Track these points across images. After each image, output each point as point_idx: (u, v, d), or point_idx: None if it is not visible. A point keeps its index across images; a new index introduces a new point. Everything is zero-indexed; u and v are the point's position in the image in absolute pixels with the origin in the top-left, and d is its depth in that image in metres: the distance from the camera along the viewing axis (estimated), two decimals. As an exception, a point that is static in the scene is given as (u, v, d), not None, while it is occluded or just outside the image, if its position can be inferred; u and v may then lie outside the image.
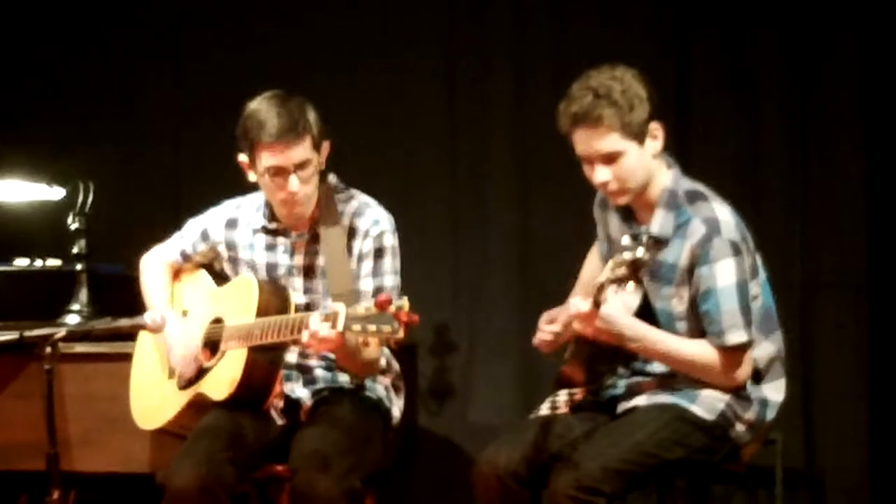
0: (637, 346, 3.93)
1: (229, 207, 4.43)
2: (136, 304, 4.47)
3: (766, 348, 4.00)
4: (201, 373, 4.25)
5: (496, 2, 5.79)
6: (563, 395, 4.11)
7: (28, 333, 4.24)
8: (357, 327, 3.80)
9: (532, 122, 5.65)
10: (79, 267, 5.08)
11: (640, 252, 3.67)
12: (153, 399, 4.41)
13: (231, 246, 4.39)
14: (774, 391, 4.02)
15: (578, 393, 4.10)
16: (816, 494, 5.48)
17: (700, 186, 4.01)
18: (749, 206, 5.47)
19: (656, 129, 3.93)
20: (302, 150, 4.13)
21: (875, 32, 5.39)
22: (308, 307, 4.23)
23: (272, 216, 4.30)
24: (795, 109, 5.52)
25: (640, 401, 3.99)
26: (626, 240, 3.76)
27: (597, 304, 3.78)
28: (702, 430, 3.92)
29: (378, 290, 4.15)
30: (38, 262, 5.26)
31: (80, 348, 4.68)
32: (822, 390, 5.48)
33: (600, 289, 3.75)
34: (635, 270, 3.70)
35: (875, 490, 5.40)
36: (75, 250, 5.07)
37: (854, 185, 5.45)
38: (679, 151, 5.52)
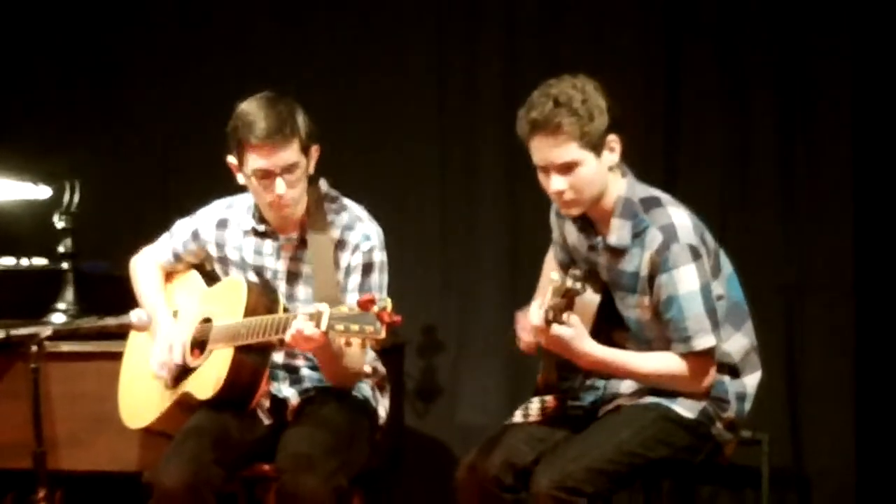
0: (597, 369, 3.92)
1: (220, 207, 4.41)
2: (122, 303, 4.45)
3: (740, 341, 3.98)
4: (188, 372, 4.24)
5: (488, 4, 5.79)
6: (535, 403, 4.09)
7: (14, 332, 4.24)
8: (340, 327, 3.80)
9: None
10: (65, 266, 5.07)
11: (570, 283, 3.65)
12: (140, 398, 4.40)
13: (221, 246, 4.37)
14: (752, 382, 4.00)
15: (551, 401, 4.08)
16: (803, 495, 5.48)
17: (655, 192, 3.97)
18: (738, 210, 5.52)
19: (614, 141, 3.89)
20: (289, 153, 4.11)
21: (867, 39, 5.39)
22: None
23: (261, 218, 4.29)
24: (785, 114, 5.52)
25: (622, 401, 3.98)
26: (553, 275, 3.73)
27: (548, 322, 3.76)
28: (685, 428, 3.91)
29: None
30: (25, 261, 5.25)
31: (67, 347, 4.68)
32: (809, 392, 5.49)
33: (546, 314, 3.74)
34: (570, 301, 3.70)
35: (861, 491, 5.41)
36: (62, 249, 5.07)
37: (843, 188, 5.45)
38: (669, 155, 5.58)
